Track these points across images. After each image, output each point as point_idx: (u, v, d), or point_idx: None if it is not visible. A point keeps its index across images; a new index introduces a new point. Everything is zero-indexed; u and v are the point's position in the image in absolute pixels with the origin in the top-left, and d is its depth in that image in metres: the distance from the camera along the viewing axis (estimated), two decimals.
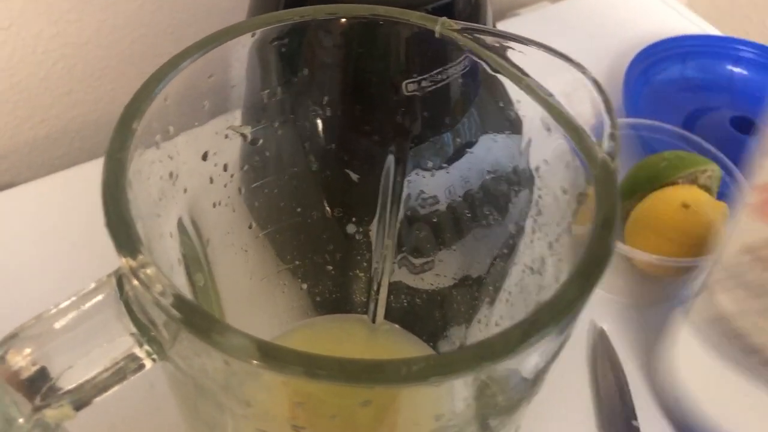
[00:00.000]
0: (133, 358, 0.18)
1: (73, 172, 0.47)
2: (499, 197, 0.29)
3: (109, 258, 0.39)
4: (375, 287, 0.32)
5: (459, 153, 0.30)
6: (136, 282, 0.17)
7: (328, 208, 0.29)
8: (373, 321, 0.34)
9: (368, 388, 0.16)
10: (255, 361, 0.16)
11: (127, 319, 0.18)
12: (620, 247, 0.40)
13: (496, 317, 0.27)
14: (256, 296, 0.31)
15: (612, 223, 0.18)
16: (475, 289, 0.29)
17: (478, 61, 0.23)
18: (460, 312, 0.30)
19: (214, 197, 0.25)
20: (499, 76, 0.24)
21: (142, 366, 0.19)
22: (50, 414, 0.18)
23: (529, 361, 0.18)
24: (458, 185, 0.29)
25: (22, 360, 0.18)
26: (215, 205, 0.25)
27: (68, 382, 0.18)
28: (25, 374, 0.18)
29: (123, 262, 0.17)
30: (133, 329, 0.18)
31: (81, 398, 0.18)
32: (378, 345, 0.34)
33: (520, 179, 0.28)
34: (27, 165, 0.51)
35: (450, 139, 0.30)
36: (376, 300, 0.33)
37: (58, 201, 0.44)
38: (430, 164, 0.28)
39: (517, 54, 0.24)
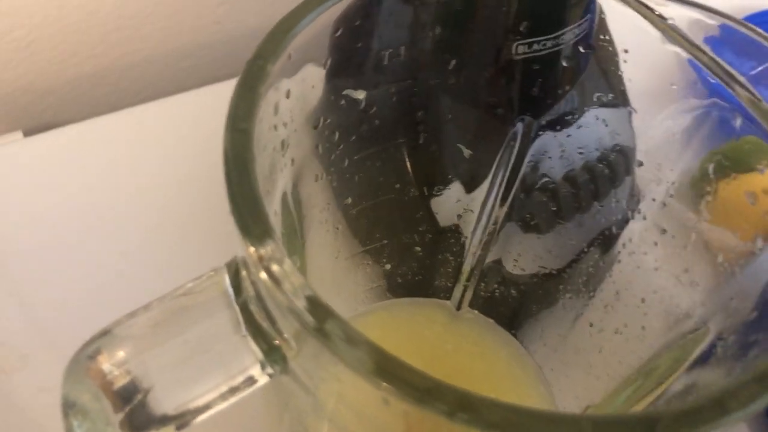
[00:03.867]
0: (249, 374, 0.15)
1: (116, 117, 0.43)
2: (611, 178, 0.25)
3: (157, 213, 0.36)
4: (467, 272, 0.29)
5: (567, 124, 0.26)
6: (265, 277, 0.14)
7: (426, 186, 0.26)
8: (458, 308, 0.31)
9: None
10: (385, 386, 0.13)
11: (243, 324, 0.15)
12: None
13: (617, 323, 0.24)
14: (337, 276, 0.28)
15: None
16: (591, 287, 0.25)
17: (655, 30, 0.19)
18: (564, 309, 0.27)
19: (318, 169, 0.22)
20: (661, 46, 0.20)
21: (254, 381, 0.15)
22: None
23: None
24: (572, 161, 0.26)
25: (115, 367, 0.15)
26: (317, 178, 0.22)
27: (167, 399, 0.15)
28: (119, 383, 0.15)
29: (250, 253, 0.14)
30: (249, 337, 0.15)
31: (181, 421, 0.15)
32: (460, 334, 0.31)
33: (629, 159, 0.25)
34: (69, 103, 0.48)
35: (569, 109, 0.26)
36: (465, 286, 0.29)
37: (102, 146, 0.41)
38: (553, 138, 0.24)
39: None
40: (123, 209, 0.38)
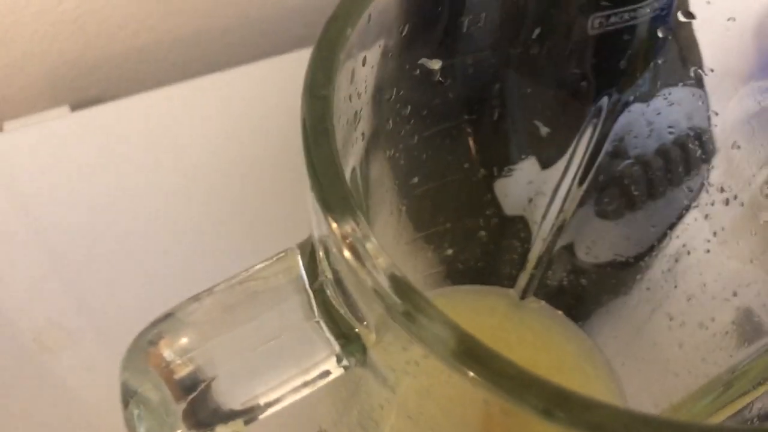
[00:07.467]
0: (323, 366, 0.14)
1: (164, 92, 0.42)
2: (703, 159, 0.23)
3: (206, 191, 0.35)
4: (534, 259, 0.27)
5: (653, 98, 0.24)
6: (349, 256, 0.12)
7: (497, 166, 0.24)
8: (522, 297, 0.29)
9: None
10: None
11: (316, 311, 0.14)
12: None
13: (702, 317, 0.22)
14: (397, 260, 0.26)
15: None
16: (673, 278, 0.24)
17: None
18: (640, 300, 0.26)
19: (388, 145, 0.20)
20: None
21: (328, 373, 0.14)
22: None
23: None
24: (660, 140, 0.24)
25: (178, 354, 0.14)
26: (386, 155, 0.20)
27: (233, 391, 0.14)
28: (181, 372, 0.14)
29: (334, 230, 0.12)
30: (323, 325, 0.14)
31: (249, 416, 0.14)
32: (524, 324, 0.29)
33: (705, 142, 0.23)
34: (116, 78, 0.47)
35: (651, 84, 0.24)
36: (532, 274, 0.28)
37: (150, 121, 0.40)
38: (641, 116, 0.22)
39: None
40: (172, 186, 0.37)
